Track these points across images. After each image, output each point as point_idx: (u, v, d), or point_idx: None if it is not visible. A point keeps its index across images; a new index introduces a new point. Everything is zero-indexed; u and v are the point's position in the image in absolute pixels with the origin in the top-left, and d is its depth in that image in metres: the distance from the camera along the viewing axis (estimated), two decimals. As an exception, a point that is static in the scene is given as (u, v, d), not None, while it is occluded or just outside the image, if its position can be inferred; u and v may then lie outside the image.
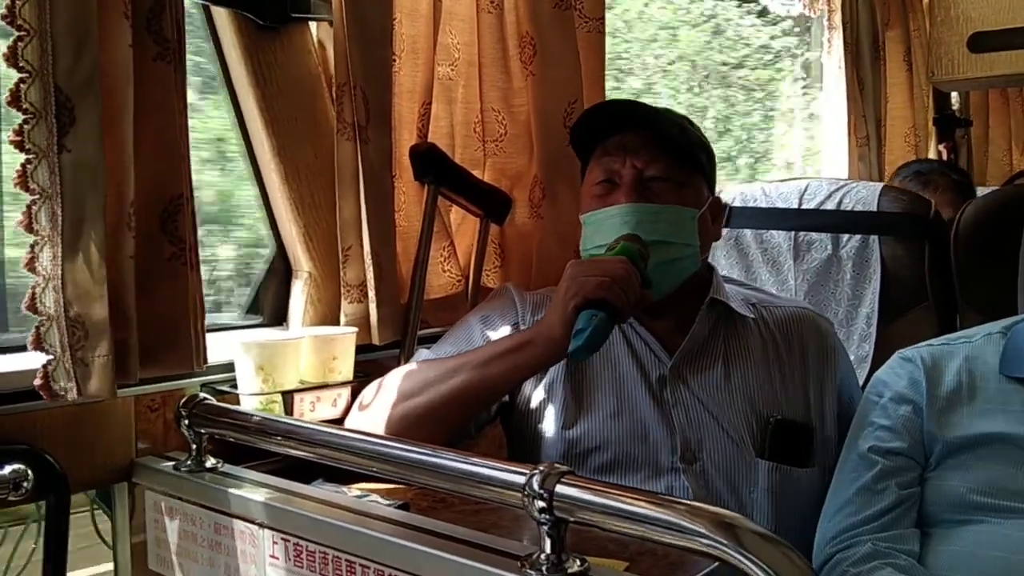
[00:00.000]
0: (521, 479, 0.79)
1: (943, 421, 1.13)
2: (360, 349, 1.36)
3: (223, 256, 1.58)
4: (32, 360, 1.03)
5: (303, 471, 1.12)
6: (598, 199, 1.25)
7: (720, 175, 1.40)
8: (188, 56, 1.16)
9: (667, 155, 1.23)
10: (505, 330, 1.29)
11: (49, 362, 1.01)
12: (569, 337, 1.06)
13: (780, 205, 1.75)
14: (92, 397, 1.04)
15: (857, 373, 1.50)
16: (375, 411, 1.22)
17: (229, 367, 1.26)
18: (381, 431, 1.18)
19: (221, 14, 1.34)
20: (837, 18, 2.88)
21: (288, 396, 1.25)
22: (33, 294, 1.01)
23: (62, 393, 1.02)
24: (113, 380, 1.04)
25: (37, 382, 1.01)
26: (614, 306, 1.06)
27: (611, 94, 2.10)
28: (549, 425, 1.26)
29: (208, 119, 1.50)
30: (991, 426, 1.11)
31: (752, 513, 1.20)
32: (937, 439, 1.13)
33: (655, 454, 1.22)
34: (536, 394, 1.28)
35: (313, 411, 1.28)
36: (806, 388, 1.29)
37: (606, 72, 1.77)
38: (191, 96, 1.21)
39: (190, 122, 1.17)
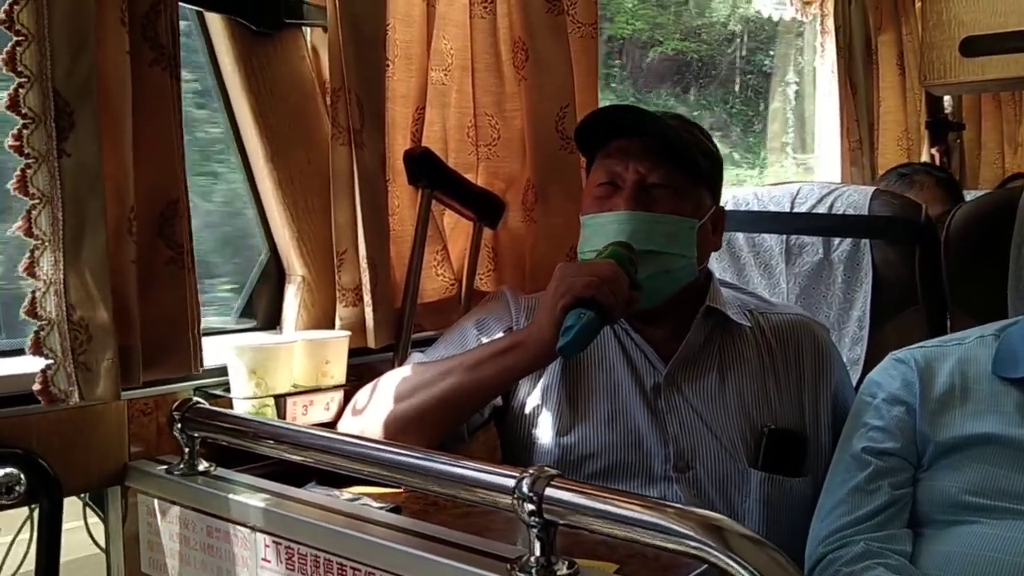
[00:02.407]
0: (511, 482, 0.79)
1: (936, 422, 1.14)
2: (353, 353, 1.37)
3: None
4: (24, 364, 1.04)
5: (296, 475, 1.13)
6: (598, 201, 1.25)
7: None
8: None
9: (670, 162, 1.23)
10: (499, 334, 1.29)
11: (48, 366, 1.01)
12: (558, 337, 1.06)
13: (772, 209, 1.76)
14: (96, 401, 1.05)
15: (850, 377, 1.51)
16: (368, 414, 1.22)
17: (222, 371, 1.27)
18: (375, 434, 1.19)
19: (215, 20, 1.35)
20: (830, 22, 2.89)
21: (281, 400, 1.26)
22: (33, 298, 1.01)
23: (62, 397, 1.02)
24: (118, 383, 1.05)
25: (36, 387, 1.01)
26: (602, 305, 1.07)
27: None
28: (543, 431, 1.26)
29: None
30: (983, 427, 1.11)
31: (744, 522, 1.20)
32: (930, 440, 1.13)
33: (648, 462, 1.23)
34: (531, 399, 1.28)
35: (306, 415, 1.29)
36: (801, 396, 1.29)
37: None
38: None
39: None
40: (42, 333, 1.01)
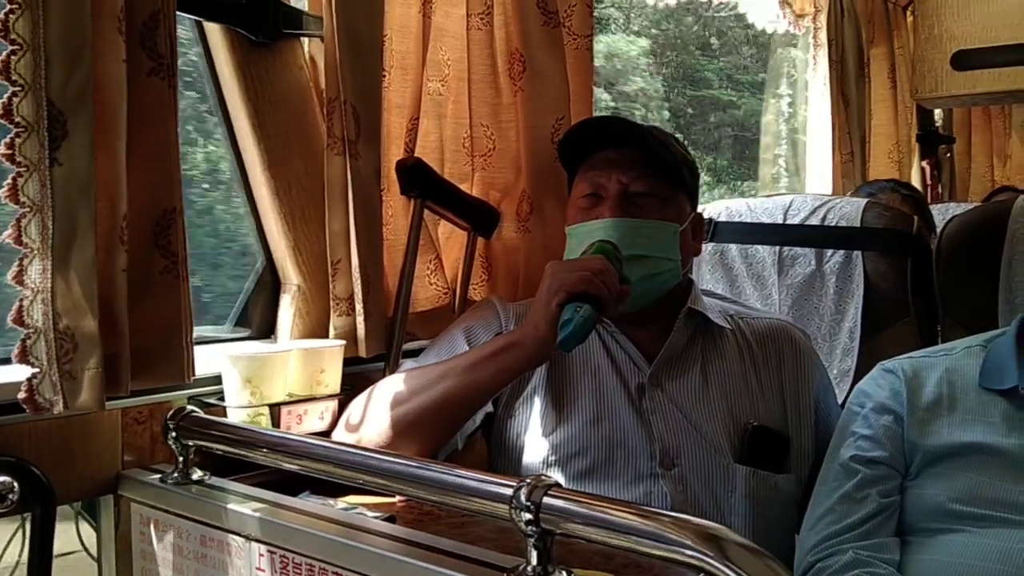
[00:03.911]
0: (508, 491, 0.79)
1: (923, 431, 1.15)
2: (347, 362, 1.37)
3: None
4: (17, 372, 1.03)
5: (290, 483, 1.13)
6: (583, 212, 1.28)
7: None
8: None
9: (652, 172, 1.26)
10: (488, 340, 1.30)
11: (35, 375, 1.01)
12: (554, 334, 1.07)
13: (765, 220, 1.77)
14: (80, 410, 1.04)
15: (840, 387, 1.52)
16: (365, 423, 1.22)
17: (216, 380, 1.26)
18: (372, 443, 1.19)
19: (213, 30, 1.35)
20: (822, 35, 2.92)
21: (275, 409, 1.25)
22: (20, 307, 1.00)
23: (47, 406, 1.01)
24: (102, 393, 1.04)
25: (21, 395, 1.01)
26: (597, 298, 1.08)
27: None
28: (530, 433, 1.28)
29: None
30: (970, 436, 1.12)
31: (731, 518, 1.22)
32: (917, 449, 1.14)
33: (634, 460, 1.24)
34: (518, 402, 1.30)
35: (300, 424, 1.29)
36: (783, 396, 1.31)
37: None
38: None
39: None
40: (28, 341, 1.01)
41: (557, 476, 1.21)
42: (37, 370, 1.01)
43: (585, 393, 1.28)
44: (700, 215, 1.35)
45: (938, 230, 1.64)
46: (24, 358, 1.01)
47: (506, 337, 1.20)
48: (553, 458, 1.25)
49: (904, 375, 1.20)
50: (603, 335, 1.31)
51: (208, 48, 1.37)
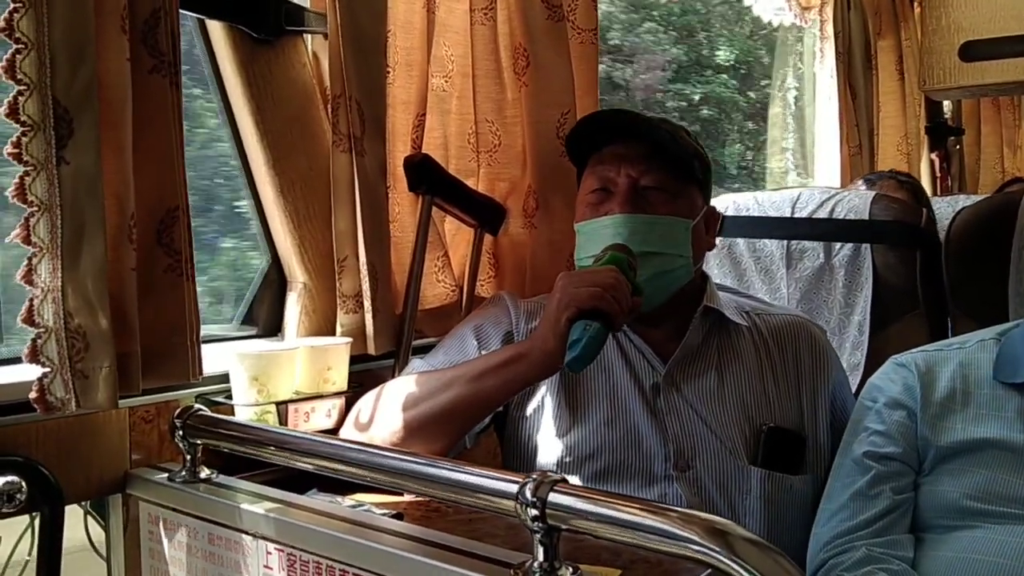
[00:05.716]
0: (514, 488, 0.79)
1: (937, 426, 1.14)
2: (354, 359, 1.37)
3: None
4: (26, 372, 1.03)
5: (297, 481, 1.13)
6: (592, 208, 1.26)
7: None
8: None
9: (662, 165, 1.24)
10: (498, 339, 1.29)
11: (45, 375, 1.01)
12: (563, 349, 1.06)
13: (773, 214, 1.76)
14: (93, 409, 1.04)
15: (849, 381, 1.51)
16: (373, 423, 1.22)
17: (224, 378, 1.27)
18: (380, 442, 1.18)
19: (216, 27, 1.35)
20: (829, 28, 2.90)
21: (282, 407, 1.26)
22: (31, 306, 1.00)
23: (58, 406, 1.01)
24: (116, 391, 1.04)
25: (32, 395, 1.01)
26: (607, 315, 1.07)
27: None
28: (543, 433, 1.27)
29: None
30: (985, 431, 1.11)
31: (745, 520, 1.21)
32: (931, 444, 1.13)
33: (648, 462, 1.23)
34: (530, 402, 1.28)
35: (307, 421, 1.29)
36: (799, 396, 1.29)
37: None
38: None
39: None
40: (39, 341, 1.01)
41: (571, 478, 1.20)
42: (48, 369, 1.01)
43: (599, 394, 1.27)
44: (713, 208, 1.32)
45: (941, 222, 1.64)
46: (35, 358, 1.01)
47: (515, 347, 1.19)
48: (567, 460, 1.24)
49: (917, 369, 1.18)
50: (616, 334, 1.29)
51: (210, 46, 1.37)
